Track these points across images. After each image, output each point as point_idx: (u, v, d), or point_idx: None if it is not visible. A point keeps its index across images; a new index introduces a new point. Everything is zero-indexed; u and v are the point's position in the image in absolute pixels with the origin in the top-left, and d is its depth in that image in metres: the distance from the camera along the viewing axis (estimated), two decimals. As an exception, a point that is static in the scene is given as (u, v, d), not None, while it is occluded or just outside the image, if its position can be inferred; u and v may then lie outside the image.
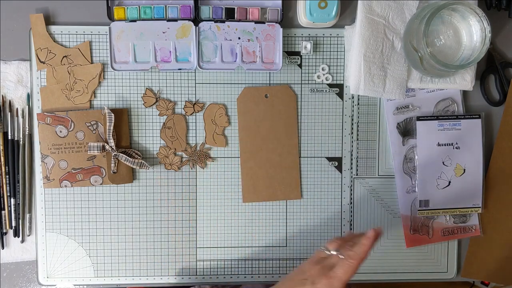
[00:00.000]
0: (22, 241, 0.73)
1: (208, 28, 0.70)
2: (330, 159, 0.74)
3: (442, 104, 0.73)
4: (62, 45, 0.70)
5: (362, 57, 0.69)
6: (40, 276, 0.73)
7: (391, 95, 0.71)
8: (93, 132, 0.70)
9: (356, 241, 0.58)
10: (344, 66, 0.73)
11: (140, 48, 0.70)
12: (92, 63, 0.71)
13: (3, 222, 0.72)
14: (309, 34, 0.72)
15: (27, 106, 0.71)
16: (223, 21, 0.70)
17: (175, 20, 0.70)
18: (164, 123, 0.72)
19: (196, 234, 0.74)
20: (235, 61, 0.71)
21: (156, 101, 0.72)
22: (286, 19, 0.72)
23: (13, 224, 0.72)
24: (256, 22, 0.70)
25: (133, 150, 0.72)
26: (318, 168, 0.74)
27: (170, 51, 0.71)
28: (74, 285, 0.73)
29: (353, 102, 0.73)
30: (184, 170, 0.73)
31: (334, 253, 0.58)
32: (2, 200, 0.71)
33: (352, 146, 0.74)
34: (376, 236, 0.58)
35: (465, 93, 0.74)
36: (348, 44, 0.72)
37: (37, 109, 0.71)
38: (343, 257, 0.57)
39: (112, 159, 0.70)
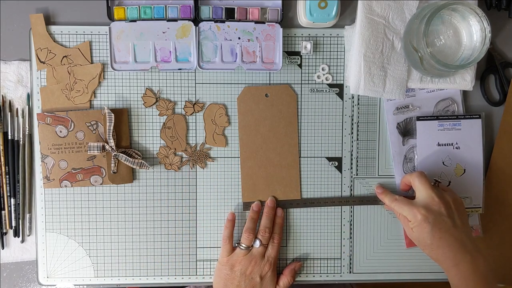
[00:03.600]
0: (22, 241, 0.73)
1: (208, 28, 0.70)
2: (330, 159, 0.74)
3: (442, 104, 0.73)
4: (62, 45, 0.71)
5: (362, 57, 0.69)
6: (40, 276, 0.73)
7: (391, 95, 0.71)
8: (93, 132, 0.70)
9: (266, 225, 0.70)
10: (344, 66, 0.73)
11: (140, 48, 0.70)
12: (92, 63, 0.71)
13: (3, 222, 0.72)
14: (309, 34, 0.72)
15: (27, 106, 0.71)
16: (223, 21, 0.70)
17: (175, 20, 0.70)
18: (164, 123, 0.72)
19: (196, 234, 0.74)
20: (235, 61, 0.71)
21: (156, 101, 0.72)
22: (286, 19, 0.72)
23: (13, 224, 0.72)
24: (256, 22, 0.70)
25: (133, 150, 0.72)
26: (318, 168, 0.74)
27: (170, 51, 0.71)
28: (74, 285, 0.74)
29: (353, 102, 0.74)
30: (184, 170, 0.73)
31: (258, 245, 0.69)
32: (2, 200, 0.71)
33: (352, 146, 0.74)
34: (283, 213, 0.73)
35: (465, 93, 0.74)
36: (348, 44, 0.72)
37: (37, 109, 0.71)
38: (267, 243, 0.70)
39: (112, 159, 0.70)
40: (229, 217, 0.72)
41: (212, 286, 0.73)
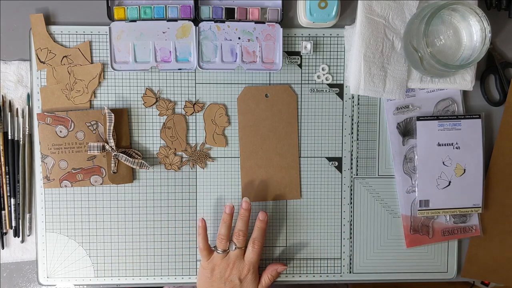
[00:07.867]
0: (22, 241, 0.73)
1: (208, 28, 0.70)
2: (330, 159, 0.74)
3: (442, 104, 0.73)
4: (62, 45, 0.71)
5: (362, 57, 0.69)
6: (40, 276, 0.73)
7: (391, 95, 0.71)
8: (93, 132, 0.70)
9: (240, 228, 0.69)
10: (344, 66, 0.73)
11: (140, 48, 0.70)
12: (92, 63, 0.71)
13: (3, 222, 0.72)
14: (309, 34, 0.72)
15: (27, 106, 0.71)
16: (223, 21, 0.70)
17: (175, 20, 0.70)
18: (164, 123, 0.72)
19: (196, 234, 0.74)
20: (235, 61, 0.71)
21: (156, 101, 0.72)
22: (286, 19, 0.72)
23: (13, 224, 0.72)
24: (256, 22, 0.70)
25: (133, 150, 0.72)
26: (318, 168, 0.74)
27: (170, 51, 0.71)
28: (74, 285, 0.74)
29: (353, 102, 0.74)
30: (184, 170, 0.73)
31: (233, 248, 0.68)
32: (2, 200, 0.71)
33: (352, 146, 0.74)
34: (266, 217, 0.70)
35: (465, 93, 0.74)
36: (348, 44, 0.72)
37: (37, 109, 0.71)
38: (244, 246, 0.69)
39: (112, 159, 0.70)
40: (199, 223, 0.70)
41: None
